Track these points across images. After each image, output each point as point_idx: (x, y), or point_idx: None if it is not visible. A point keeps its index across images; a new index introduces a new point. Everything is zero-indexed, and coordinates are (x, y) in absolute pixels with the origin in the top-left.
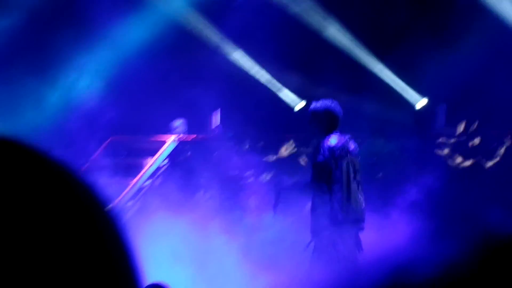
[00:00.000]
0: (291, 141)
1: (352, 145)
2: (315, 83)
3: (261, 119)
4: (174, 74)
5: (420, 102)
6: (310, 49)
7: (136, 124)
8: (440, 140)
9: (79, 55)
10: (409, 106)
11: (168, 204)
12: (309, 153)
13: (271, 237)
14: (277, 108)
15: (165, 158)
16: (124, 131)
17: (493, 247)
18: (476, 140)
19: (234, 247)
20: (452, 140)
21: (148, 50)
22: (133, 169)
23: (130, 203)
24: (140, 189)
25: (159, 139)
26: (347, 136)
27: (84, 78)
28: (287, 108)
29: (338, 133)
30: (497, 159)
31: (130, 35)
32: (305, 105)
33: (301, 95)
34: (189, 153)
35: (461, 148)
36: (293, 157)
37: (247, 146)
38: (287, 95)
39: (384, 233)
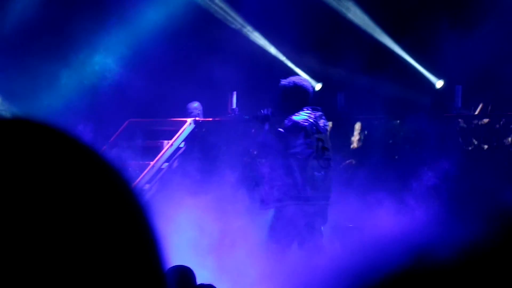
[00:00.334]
0: None
1: (321, 122)
2: (332, 64)
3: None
4: (193, 55)
5: (438, 83)
6: (328, 30)
7: (155, 106)
8: (459, 121)
9: (98, 37)
10: (427, 87)
11: (186, 186)
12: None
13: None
14: None
15: (183, 141)
16: (143, 113)
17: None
18: (492, 122)
19: (252, 229)
20: (472, 122)
21: (167, 31)
22: (151, 152)
23: (147, 186)
24: (158, 171)
25: (176, 122)
26: (318, 113)
27: (102, 60)
28: None
29: (310, 109)
30: None
31: (149, 16)
32: (321, 87)
33: (318, 76)
34: (206, 135)
35: (479, 130)
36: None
37: (266, 127)
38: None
39: (402, 216)
